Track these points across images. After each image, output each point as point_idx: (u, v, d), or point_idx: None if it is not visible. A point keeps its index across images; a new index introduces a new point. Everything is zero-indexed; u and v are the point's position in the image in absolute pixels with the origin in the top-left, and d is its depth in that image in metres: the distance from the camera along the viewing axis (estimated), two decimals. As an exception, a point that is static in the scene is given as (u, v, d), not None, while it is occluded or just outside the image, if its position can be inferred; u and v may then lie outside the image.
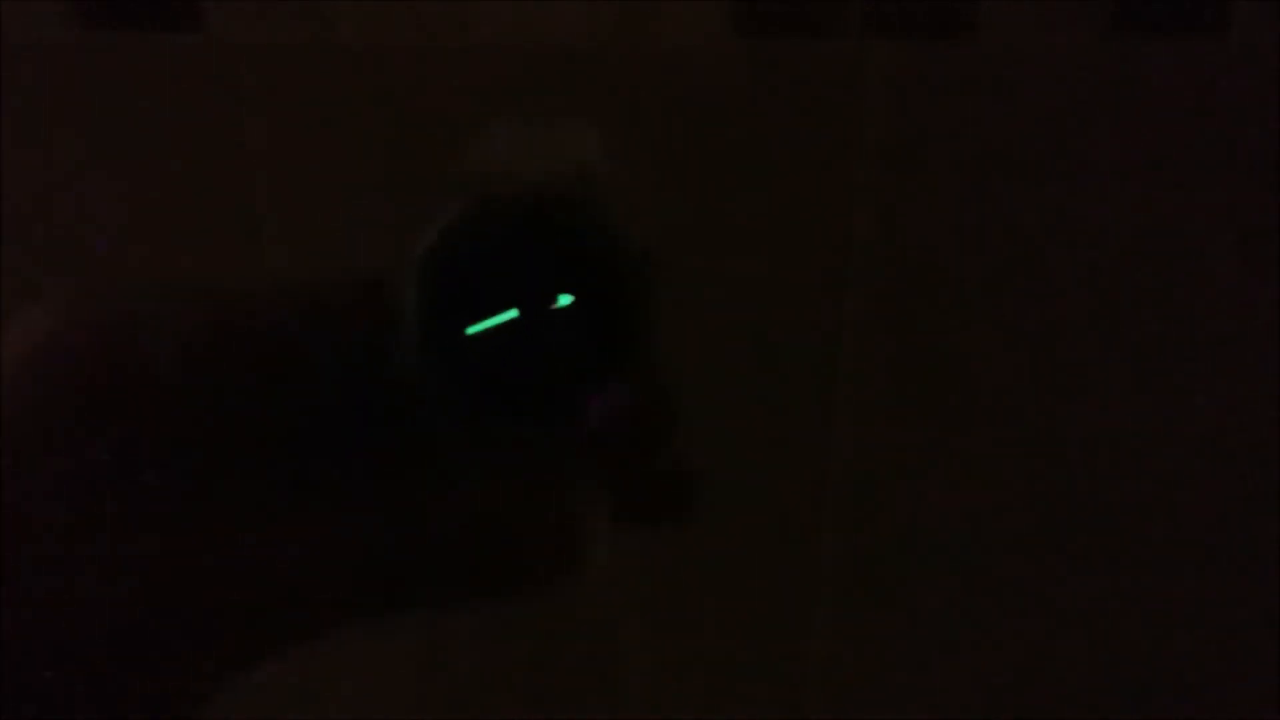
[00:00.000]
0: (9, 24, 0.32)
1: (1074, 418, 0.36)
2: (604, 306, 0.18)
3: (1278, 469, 0.36)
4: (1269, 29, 0.32)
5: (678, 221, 0.33)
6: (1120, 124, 0.33)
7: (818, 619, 0.39)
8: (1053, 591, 0.38)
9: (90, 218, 0.34)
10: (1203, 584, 0.38)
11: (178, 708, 0.18)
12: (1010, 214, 0.34)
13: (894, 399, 0.36)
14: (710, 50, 0.32)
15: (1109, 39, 0.32)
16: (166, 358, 0.18)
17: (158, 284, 0.19)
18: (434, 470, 0.19)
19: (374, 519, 0.18)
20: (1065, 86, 0.33)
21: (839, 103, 0.33)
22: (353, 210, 0.33)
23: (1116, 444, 0.36)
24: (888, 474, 0.37)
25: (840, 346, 0.35)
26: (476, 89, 0.32)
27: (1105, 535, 0.37)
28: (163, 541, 0.17)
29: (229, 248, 0.34)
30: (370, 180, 0.33)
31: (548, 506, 0.19)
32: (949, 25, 0.32)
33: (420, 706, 0.39)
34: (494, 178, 0.19)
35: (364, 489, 0.19)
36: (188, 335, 0.18)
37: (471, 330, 0.18)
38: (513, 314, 0.18)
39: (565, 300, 0.18)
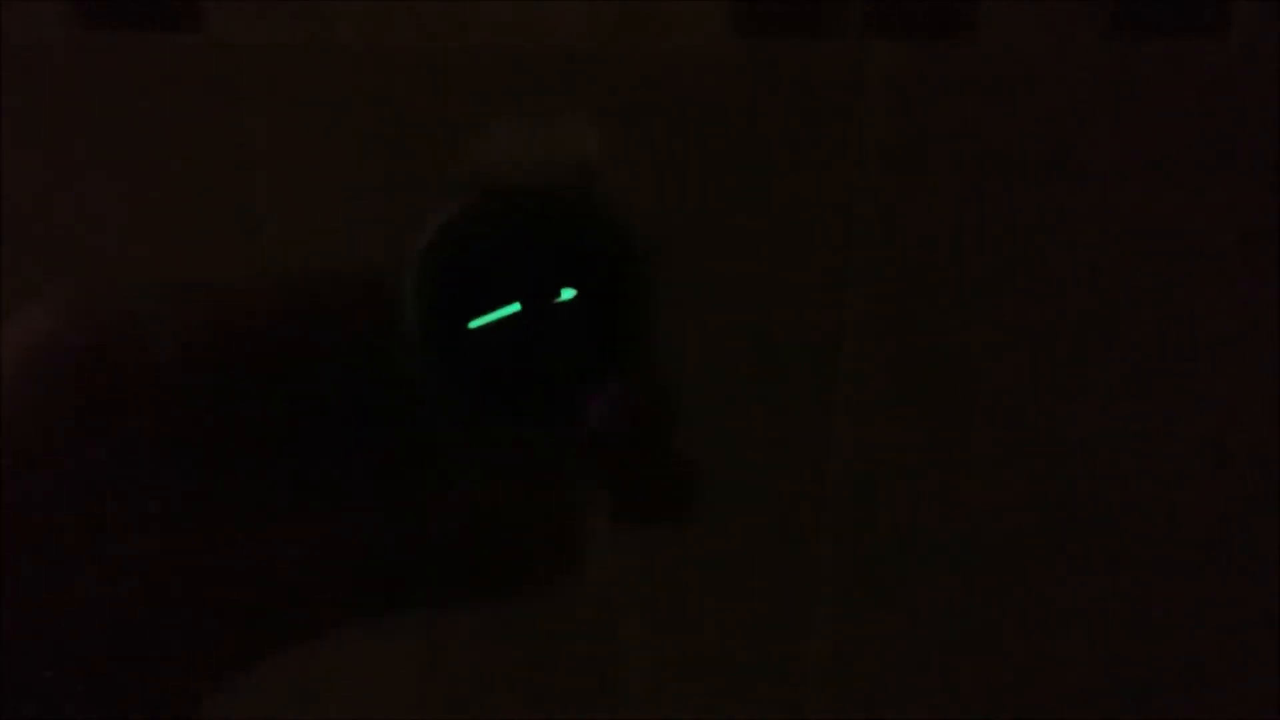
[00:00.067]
0: (9, 24, 0.32)
1: (1074, 418, 0.36)
2: (604, 303, 0.18)
3: (1278, 469, 0.36)
4: (1269, 29, 0.32)
5: (678, 222, 0.33)
6: (1120, 124, 0.33)
7: (818, 619, 0.39)
8: (1053, 591, 0.38)
9: (90, 218, 0.34)
10: (1203, 584, 0.38)
11: (177, 707, 0.18)
12: (1010, 214, 0.34)
13: (894, 399, 0.36)
14: (710, 50, 0.32)
15: (1109, 39, 0.32)
16: (167, 357, 0.18)
17: (158, 283, 0.19)
18: (434, 469, 0.19)
19: (374, 518, 0.18)
20: (1065, 86, 0.33)
21: (839, 103, 0.33)
22: (353, 210, 0.33)
23: (1116, 444, 0.36)
24: (888, 474, 0.37)
25: (840, 346, 0.35)
26: (476, 89, 0.32)
27: (1105, 535, 0.37)
28: (163, 541, 0.17)
29: (229, 248, 0.34)
30: (370, 180, 0.33)
31: (547, 506, 0.19)
32: (949, 25, 0.32)
33: (420, 706, 0.39)
34: (494, 175, 0.19)
35: (364, 488, 0.19)
36: (188, 335, 0.18)
37: (473, 325, 0.18)
38: (514, 308, 0.18)
39: (567, 294, 0.18)
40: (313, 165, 0.33)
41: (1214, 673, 0.39)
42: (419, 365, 0.18)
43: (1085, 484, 0.37)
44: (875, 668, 0.40)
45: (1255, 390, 0.36)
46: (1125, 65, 0.33)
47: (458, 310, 0.18)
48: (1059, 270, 0.35)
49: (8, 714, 0.17)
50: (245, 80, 0.33)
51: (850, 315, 0.35)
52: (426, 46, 0.32)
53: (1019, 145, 0.33)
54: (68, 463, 0.17)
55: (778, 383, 0.36)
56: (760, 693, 0.40)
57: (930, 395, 0.36)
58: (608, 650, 0.39)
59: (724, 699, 0.40)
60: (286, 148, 0.33)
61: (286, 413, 0.18)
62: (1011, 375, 0.36)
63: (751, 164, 0.33)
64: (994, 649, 0.39)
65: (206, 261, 0.33)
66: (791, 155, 0.33)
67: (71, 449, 0.17)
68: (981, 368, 0.36)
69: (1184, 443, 0.36)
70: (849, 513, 0.37)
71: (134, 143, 0.33)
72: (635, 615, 0.39)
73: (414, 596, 0.19)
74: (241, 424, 0.18)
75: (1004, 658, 0.39)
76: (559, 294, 0.18)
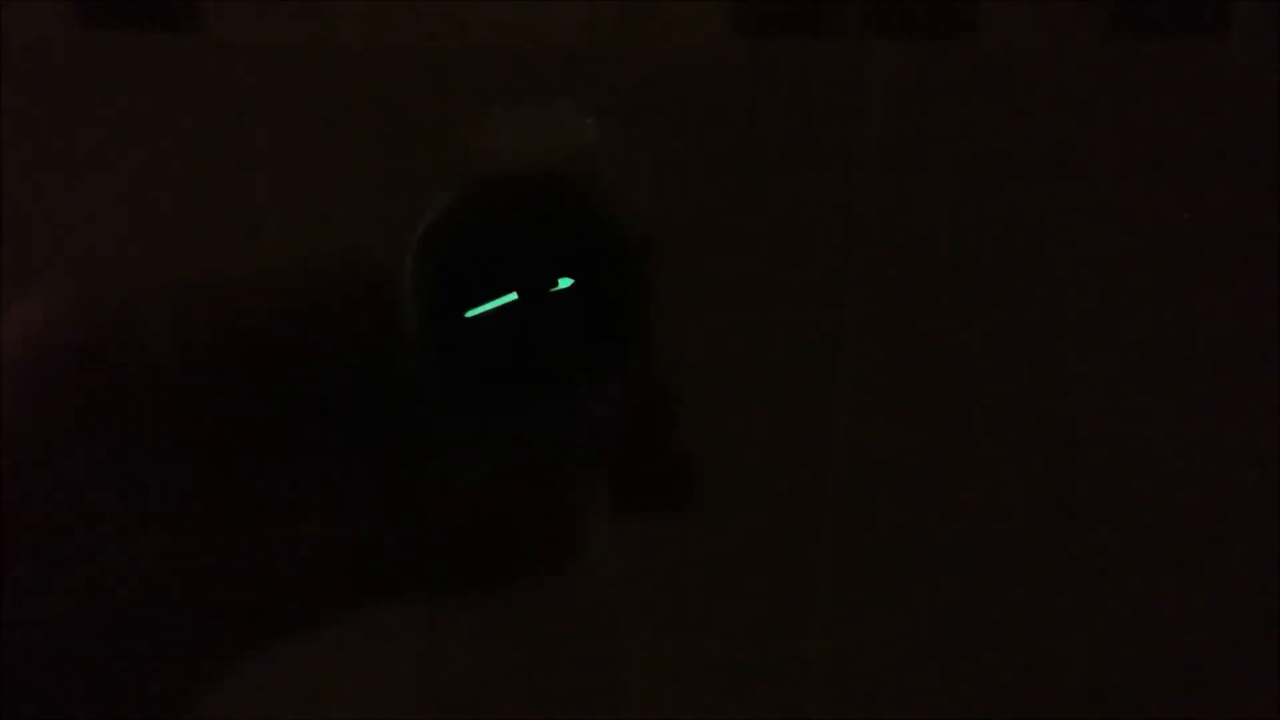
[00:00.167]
0: (9, 24, 0.32)
1: (1074, 418, 0.36)
2: (602, 294, 0.18)
3: (1278, 469, 0.36)
4: (1269, 29, 0.32)
5: (678, 221, 0.33)
6: (1120, 124, 0.33)
7: (818, 619, 0.39)
8: (1053, 591, 0.38)
9: (90, 218, 0.34)
10: (1203, 584, 0.38)
11: (177, 706, 0.18)
12: (1010, 214, 0.34)
13: (894, 399, 0.36)
14: (710, 50, 0.32)
15: (1109, 39, 0.32)
16: (165, 353, 0.18)
17: (156, 279, 0.19)
18: (433, 465, 0.19)
19: (373, 514, 0.18)
20: (1065, 86, 0.33)
21: (839, 103, 0.33)
22: (353, 210, 0.33)
23: (1116, 444, 0.36)
24: (888, 474, 0.37)
25: (840, 346, 0.35)
26: (476, 89, 0.32)
27: (1105, 535, 0.37)
28: (162, 539, 0.17)
29: (229, 248, 0.34)
30: (370, 180, 0.33)
31: (547, 499, 0.19)
32: (949, 25, 0.32)
33: (420, 706, 0.39)
34: (493, 160, 0.19)
35: (363, 484, 0.19)
36: (186, 331, 0.18)
37: (470, 314, 0.18)
38: (511, 297, 0.18)
39: (565, 283, 0.18)
40: (313, 165, 0.33)
41: (1214, 673, 0.39)
42: (417, 358, 0.18)
43: (1085, 484, 0.37)
44: (875, 668, 0.40)
45: (1255, 390, 0.36)
46: (1125, 65, 0.33)
47: (455, 301, 0.18)
48: (1059, 270, 0.35)
49: (8, 714, 0.17)
50: (245, 80, 0.33)
51: (850, 315, 0.35)
52: (426, 46, 0.32)
53: (1019, 145, 0.33)
54: (66, 460, 0.17)
55: (778, 383, 0.36)
56: (760, 693, 0.40)
57: (930, 395, 0.36)
58: (608, 650, 0.39)
59: (724, 699, 0.40)
60: (286, 148, 0.33)
61: (285, 409, 0.18)
62: (1011, 375, 0.36)
63: (751, 164, 0.33)
64: (994, 649, 0.39)
65: (206, 262, 0.33)
66: (791, 155, 0.33)
67: (70, 446, 0.17)
68: (981, 368, 0.36)
69: (1184, 443, 0.36)
70: (849, 513, 0.37)
71: (134, 143, 0.33)
72: (635, 615, 0.39)
73: (414, 592, 0.19)
74: (240, 421, 0.18)
75: (1004, 658, 0.39)
76: (556, 284, 0.18)
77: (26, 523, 0.17)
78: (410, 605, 0.18)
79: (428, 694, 0.39)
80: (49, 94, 0.33)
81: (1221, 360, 0.35)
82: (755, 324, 0.35)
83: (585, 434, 0.18)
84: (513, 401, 0.18)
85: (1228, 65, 0.33)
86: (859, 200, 0.34)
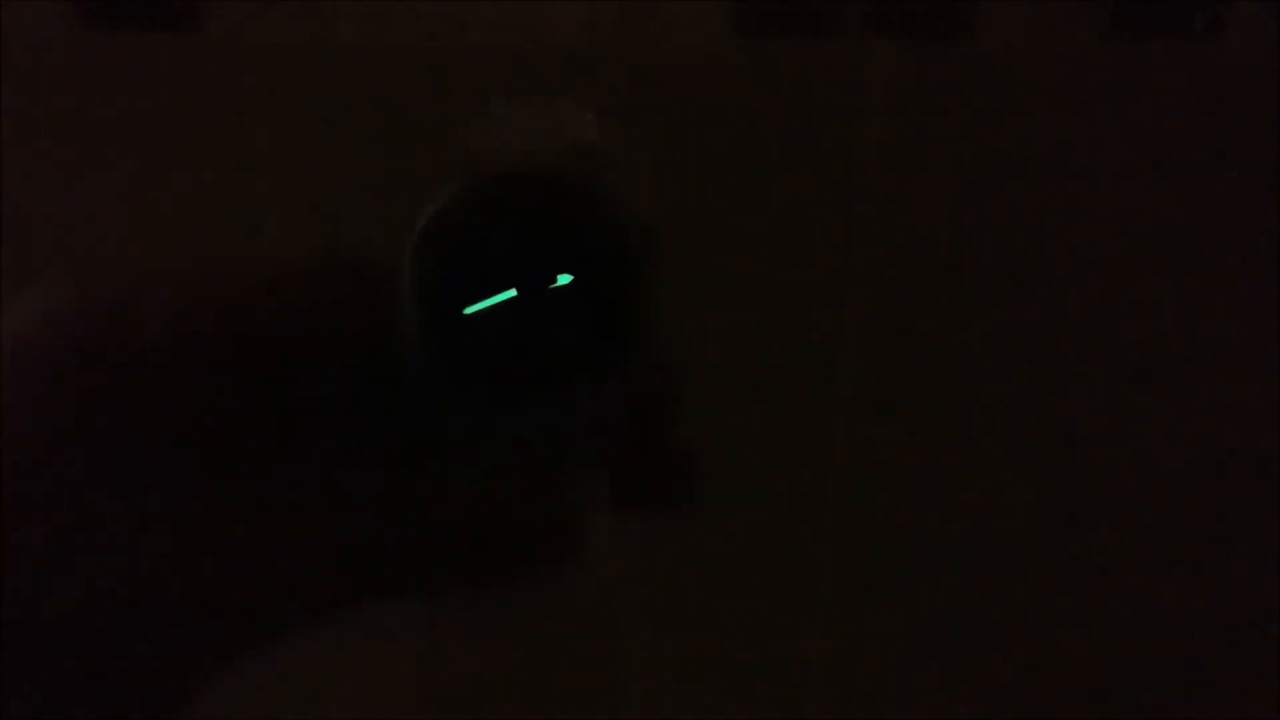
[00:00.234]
0: (9, 24, 0.32)
1: (1074, 418, 0.36)
2: (603, 290, 0.18)
3: (1278, 469, 0.36)
4: (1269, 29, 0.32)
5: (677, 221, 0.33)
6: (1120, 124, 0.33)
7: (818, 619, 0.39)
8: (1053, 591, 0.38)
9: (90, 218, 0.34)
10: (1203, 584, 0.38)
11: (177, 706, 0.18)
12: (1010, 214, 0.34)
13: (894, 399, 0.36)
14: (710, 50, 0.32)
15: (1109, 39, 0.32)
16: (165, 352, 0.18)
17: (154, 275, 0.19)
18: (433, 462, 0.19)
19: (373, 512, 0.18)
20: (1065, 86, 0.33)
21: (839, 103, 0.33)
22: (353, 210, 0.33)
23: (1117, 444, 0.36)
24: (888, 474, 0.37)
25: (840, 346, 0.35)
26: (476, 89, 0.32)
27: (1105, 535, 0.37)
28: (162, 538, 0.17)
29: (229, 248, 0.34)
30: (370, 180, 0.33)
31: (547, 498, 0.19)
32: (949, 25, 0.32)
33: (420, 706, 0.39)
34: (493, 159, 0.19)
35: (362, 481, 0.19)
36: (186, 330, 0.18)
37: (469, 310, 0.18)
38: (511, 294, 0.18)
39: (564, 279, 0.18)
40: (313, 165, 0.33)
41: (1214, 673, 0.39)
42: (416, 355, 0.18)
43: (1085, 484, 0.37)
44: (875, 668, 0.40)
45: (1256, 390, 0.36)
46: (1125, 65, 0.33)
47: (454, 298, 0.18)
48: (1059, 270, 0.35)
49: (8, 714, 0.17)
50: (245, 80, 0.33)
51: (850, 315, 0.35)
52: (426, 46, 0.32)
53: (1019, 145, 0.33)
54: (66, 460, 0.17)
55: (778, 383, 0.36)
56: (760, 693, 0.40)
57: (930, 395, 0.36)
58: (608, 650, 0.39)
59: (724, 699, 0.40)
60: (286, 148, 0.33)
61: (285, 409, 0.18)
62: (1011, 375, 0.36)
63: (751, 164, 0.33)
64: (994, 649, 0.39)
65: (206, 261, 0.33)
66: (791, 155, 0.33)
67: (70, 446, 0.17)
68: (981, 368, 0.36)
69: (1184, 442, 0.36)
70: (849, 513, 0.37)
71: (134, 143, 0.33)
72: (635, 615, 0.39)
73: (414, 592, 0.19)
74: (240, 420, 0.18)
75: (1004, 658, 0.39)
76: (555, 280, 0.18)
77: (26, 522, 0.17)
78: (410, 605, 0.18)
79: (428, 694, 0.39)
80: (49, 94, 0.33)
81: (1221, 360, 0.35)
82: (755, 324, 0.35)
83: (585, 433, 0.18)
84: (512, 400, 0.18)
85: (1227, 65, 0.33)
86: (859, 200, 0.34)
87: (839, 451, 0.37)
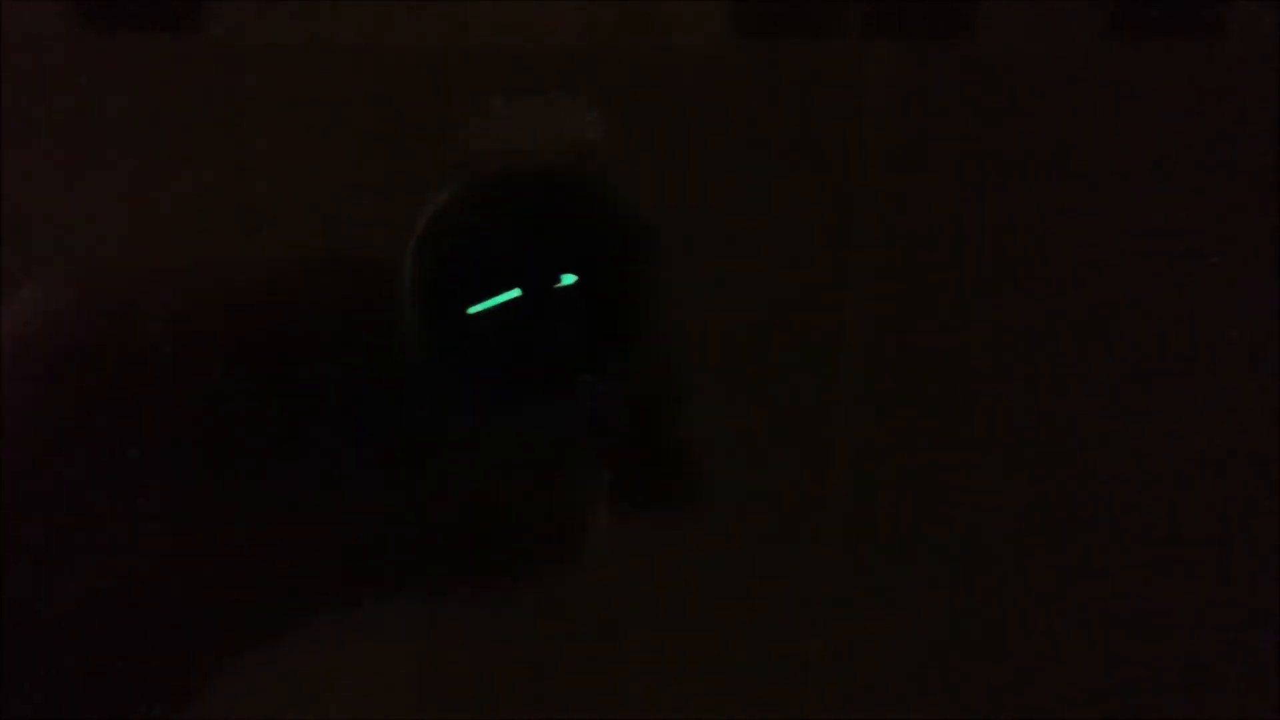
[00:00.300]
0: (9, 24, 0.32)
1: (1074, 418, 0.36)
2: (604, 289, 0.18)
3: (1278, 469, 0.36)
4: (1269, 29, 0.32)
5: (676, 221, 0.33)
6: (1120, 124, 0.33)
7: (818, 619, 0.39)
8: (1053, 591, 0.38)
9: (90, 218, 0.34)
10: (1203, 584, 0.38)
11: (177, 705, 0.18)
12: (1010, 214, 0.34)
13: (894, 399, 0.36)
14: (710, 50, 0.32)
15: (1109, 39, 0.32)
16: (165, 351, 0.18)
17: (157, 278, 0.19)
18: (434, 463, 0.19)
19: (373, 512, 0.18)
20: (1065, 86, 0.33)
21: (839, 103, 0.33)
22: (353, 210, 0.33)
23: (1117, 444, 0.36)
24: (888, 474, 0.37)
25: (840, 346, 0.35)
26: (476, 89, 0.32)
27: (1105, 535, 0.37)
28: (162, 538, 0.17)
29: (229, 248, 0.34)
30: (370, 180, 0.33)
31: (547, 497, 0.19)
32: (949, 25, 0.32)
33: (420, 706, 0.39)
34: (494, 157, 0.19)
35: (363, 482, 0.19)
36: (187, 329, 0.18)
37: (473, 310, 0.18)
38: (515, 294, 0.18)
39: (568, 280, 0.18)
40: (313, 165, 0.33)
41: (1214, 673, 0.39)
42: (417, 353, 0.18)
43: (1085, 484, 0.37)
44: (875, 668, 0.40)
45: (1256, 390, 0.36)
46: (1125, 65, 0.33)
47: (456, 297, 0.18)
48: (1059, 270, 0.35)
49: (8, 714, 0.17)
50: (245, 80, 0.33)
51: (850, 315, 0.35)
52: (426, 46, 0.32)
53: (1019, 145, 0.33)
54: (66, 460, 0.17)
55: (778, 383, 0.36)
56: (760, 693, 0.40)
57: (930, 395, 0.36)
58: (608, 650, 0.39)
59: (724, 699, 0.40)
60: (286, 148, 0.33)
61: (285, 409, 0.18)
62: (1011, 375, 0.36)
63: (751, 164, 0.33)
64: (994, 649, 0.39)
65: (207, 261, 0.33)
66: (791, 155, 0.33)
67: (70, 446, 0.17)
68: (981, 368, 0.36)
69: (1184, 442, 0.36)
70: (849, 513, 0.37)
71: (134, 143, 0.33)
72: (635, 615, 0.39)
73: (414, 592, 0.19)
74: (240, 420, 0.18)
75: (1004, 658, 0.39)
76: (559, 279, 0.18)
77: (27, 522, 0.17)
78: (410, 605, 0.18)
79: (428, 694, 0.39)
80: (49, 94, 0.33)
81: (1221, 360, 0.35)
82: (755, 324, 0.35)
83: (585, 432, 0.18)
84: (512, 399, 0.18)
85: (1228, 65, 0.33)
86: (859, 200, 0.34)
87: (839, 451, 0.37)
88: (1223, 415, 0.36)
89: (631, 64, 0.32)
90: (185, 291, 0.18)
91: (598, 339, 0.18)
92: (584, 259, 0.18)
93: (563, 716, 0.41)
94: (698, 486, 0.18)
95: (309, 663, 0.18)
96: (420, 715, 0.42)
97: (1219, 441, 0.36)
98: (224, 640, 0.18)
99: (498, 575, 0.19)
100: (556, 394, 0.18)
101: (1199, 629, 0.39)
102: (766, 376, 0.36)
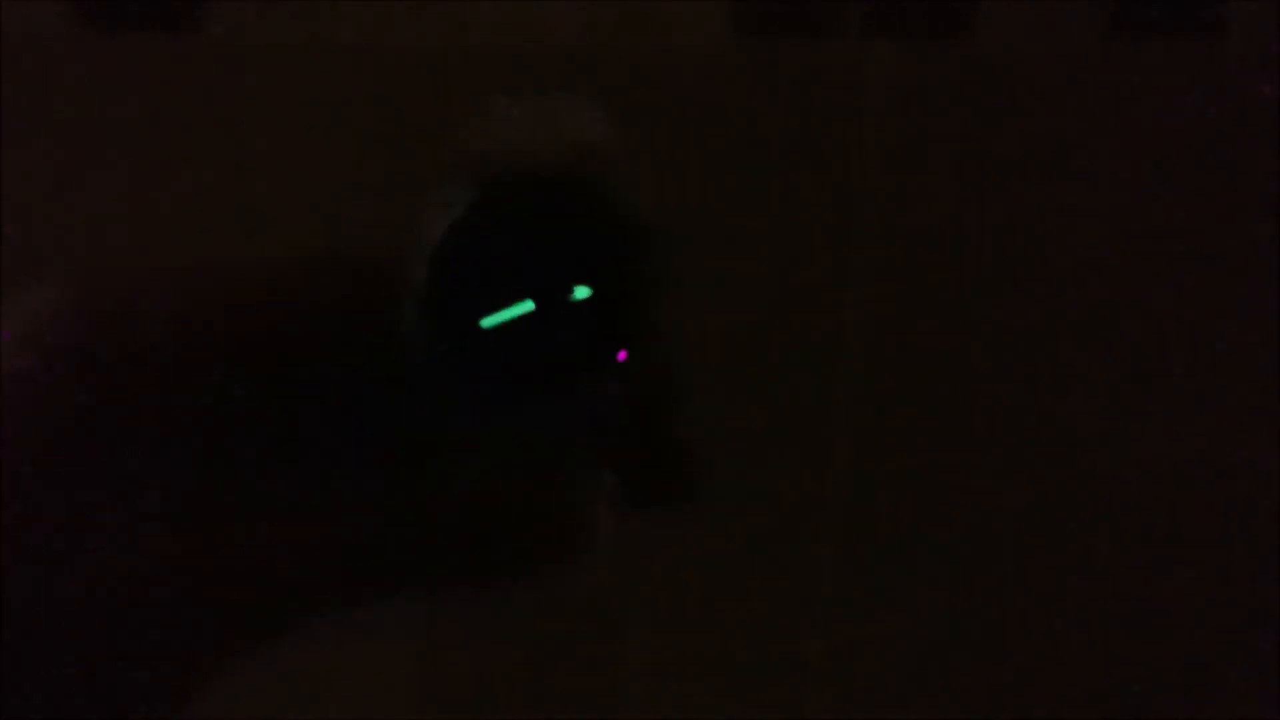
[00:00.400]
0: (9, 24, 0.32)
1: (1074, 418, 0.36)
2: (614, 293, 0.18)
3: (1278, 469, 0.36)
4: (1269, 29, 0.32)
5: (676, 221, 0.33)
6: (1120, 124, 0.33)
7: (818, 619, 0.39)
8: (1053, 591, 0.38)
9: (90, 218, 0.34)
10: (1203, 584, 0.38)
11: (176, 705, 0.18)
12: (1010, 214, 0.34)
13: (894, 399, 0.36)
14: (710, 50, 0.32)
15: (1109, 39, 0.32)
16: (166, 352, 0.18)
17: (157, 278, 0.19)
18: (434, 463, 0.19)
19: (373, 511, 0.18)
20: (1065, 86, 0.33)
21: (839, 103, 0.33)
22: (353, 210, 0.33)
23: (1117, 444, 0.36)
24: (888, 474, 0.37)
25: (840, 346, 0.35)
26: (476, 89, 0.32)
27: (1105, 535, 0.37)
28: (162, 538, 0.17)
29: (229, 248, 0.34)
30: (370, 180, 0.33)
31: (548, 498, 0.19)
32: (949, 25, 0.32)
33: (420, 706, 0.39)
34: (496, 159, 0.19)
35: (363, 482, 0.19)
36: (187, 330, 0.18)
37: (486, 323, 0.18)
38: (528, 306, 0.18)
39: (583, 292, 0.18)
40: (313, 165, 0.33)
41: (1214, 673, 0.39)
42: (425, 360, 0.18)
43: (1085, 484, 0.37)
44: (875, 668, 0.40)
45: (1256, 391, 0.36)
46: (1125, 65, 0.33)
47: (466, 306, 0.18)
48: (1059, 270, 0.35)
49: (8, 714, 0.17)
50: (245, 80, 0.33)
51: (850, 315, 0.35)
52: (426, 46, 0.32)
53: (1019, 145, 0.33)
54: (66, 460, 0.17)
55: (778, 382, 0.36)
56: (760, 693, 0.40)
57: (930, 395, 0.36)
58: (608, 650, 0.39)
59: (724, 699, 0.40)
60: (286, 148, 0.33)
61: (286, 409, 0.18)
62: (1011, 375, 0.36)
63: (751, 164, 0.33)
64: (994, 649, 0.39)
65: (207, 261, 0.33)
66: (791, 155, 0.33)
67: (70, 446, 0.17)
68: (981, 368, 0.36)
69: (1184, 442, 0.36)
70: (849, 513, 0.37)
71: (134, 143, 0.33)
72: (635, 615, 0.39)
73: (413, 591, 0.19)
74: (240, 420, 0.18)
75: (1004, 658, 0.39)
76: (569, 289, 0.18)
77: (26, 522, 0.17)
78: (410, 605, 0.18)
79: (428, 694, 0.39)
80: (49, 94, 0.33)
81: (1221, 361, 0.35)
82: (755, 324, 0.35)
83: (586, 432, 0.18)
84: (514, 400, 0.18)
85: (1228, 65, 0.33)
86: (859, 200, 0.34)
87: (839, 451, 0.37)
88: (1222, 415, 0.36)
89: (631, 64, 0.32)
90: (185, 291, 0.18)
91: (599, 341, 0.18)
92: (595, 268, 0.18)
93: (563, 716, 0.41)
94: (698, 486, 0.18)
95: (309, 663, 0.18)
96: (420, 715, 0.42)
97: (1219, 441, 0.36)
98: (224, 640, 0.18)
99: (498, 575, 0.19)
100: (556, 394, 0.18)
101: (1199, 629, 0.39)
102: (766, 376, 0.36)
